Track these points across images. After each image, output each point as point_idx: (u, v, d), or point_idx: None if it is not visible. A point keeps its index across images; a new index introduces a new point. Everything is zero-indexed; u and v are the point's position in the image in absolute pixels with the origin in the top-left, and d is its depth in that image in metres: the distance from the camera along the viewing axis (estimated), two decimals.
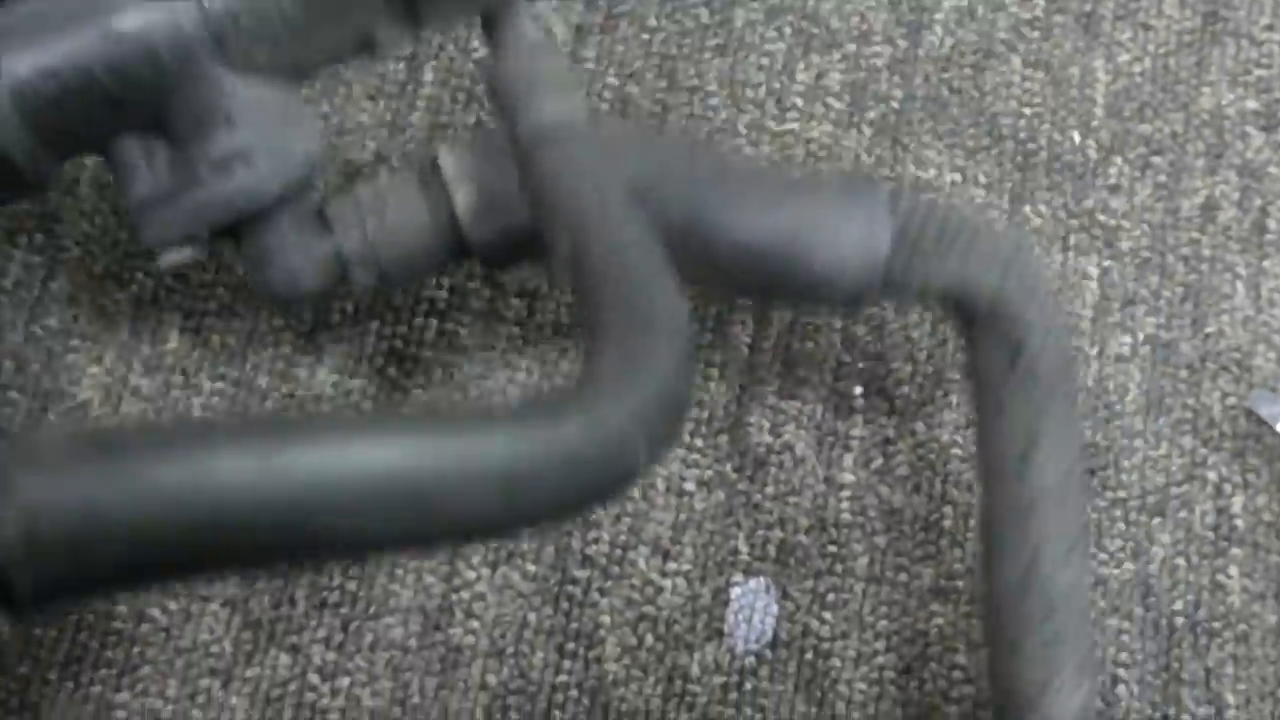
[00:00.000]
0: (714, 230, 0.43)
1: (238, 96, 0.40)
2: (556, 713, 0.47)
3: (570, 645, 0.48)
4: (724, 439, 0.51)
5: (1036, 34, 0.57)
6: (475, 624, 0.47)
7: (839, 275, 0.43)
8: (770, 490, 0.50)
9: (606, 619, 0.48)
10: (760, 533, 0.50)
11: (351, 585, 0.48)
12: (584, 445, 0.29)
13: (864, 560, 0.49)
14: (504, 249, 0.44)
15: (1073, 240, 0.54)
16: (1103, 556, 0.50)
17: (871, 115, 0.55)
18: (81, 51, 0.39)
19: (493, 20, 0.43)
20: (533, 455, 0.28)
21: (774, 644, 0.48)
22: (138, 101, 0.40)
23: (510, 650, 0.47)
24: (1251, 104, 0.57)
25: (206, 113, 0.40)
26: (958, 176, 0.55)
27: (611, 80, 0.55)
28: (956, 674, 0.48)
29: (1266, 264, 0.54)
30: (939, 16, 0.57)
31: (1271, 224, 0.55)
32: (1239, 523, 0.50)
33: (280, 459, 0.26)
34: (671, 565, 0.49)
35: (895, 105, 0.55)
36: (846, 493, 0.50)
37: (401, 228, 0.43)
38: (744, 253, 0.43)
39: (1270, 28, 0.58)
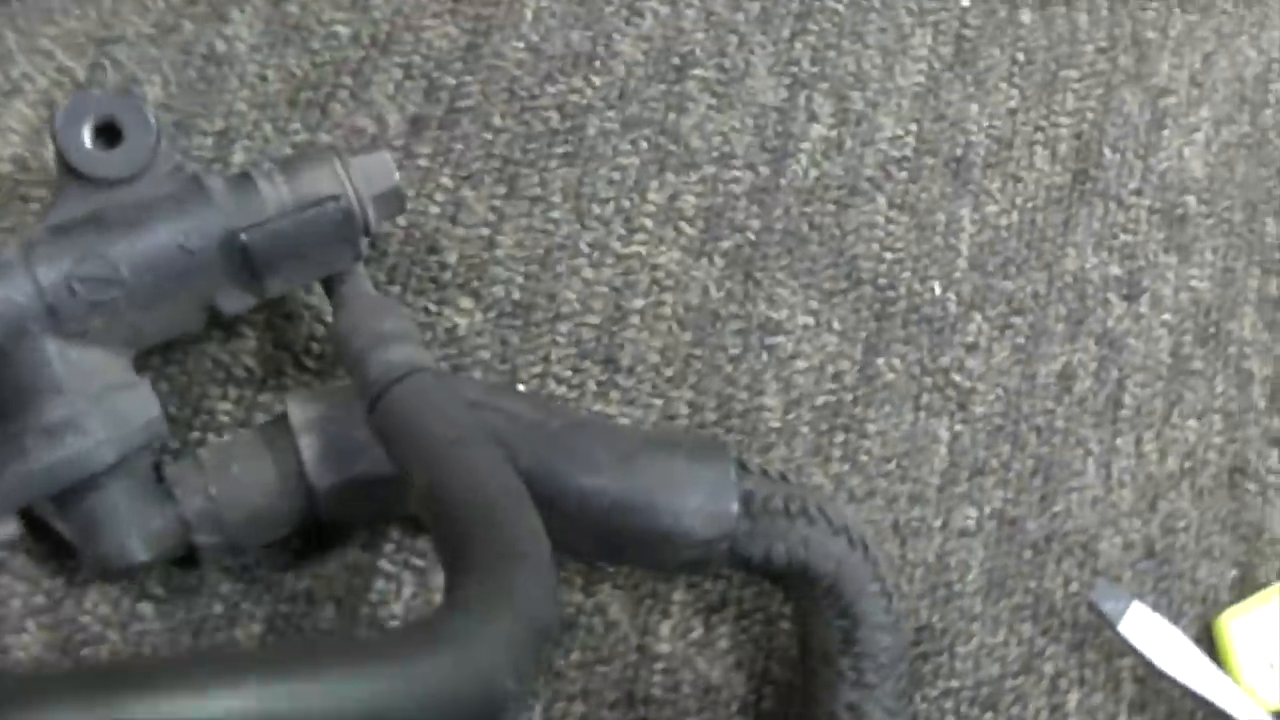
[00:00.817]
0: (562, 482, 0.40)
1: (69, 364, 0.38)
2: None
3: None
4: None
5: (904, 174, 0.54)
6: None
7: (684, 537, 0.41)
8: (576, 657, 0.45)
9: None
10: (560, 705, 0.45)
11: None
12: (451, 679, 0.28)
13: None
14: (352, 500, 0.41)
15: (925, 400, 0.51)
16: None
17: (725, 245, 0.51)
18: None
19: (334, 281, 0.42)
20: (398, 692, 0.27)
21: None
22: None
23: None
24: (1115, 270, 0.54)
25: (35, 382, 0.38)
26: (810, 320, 0.51)
27: (446, 181, 0.50)
28: None
29: (1119, 442, 0.52)
30: (805, 145, 0.53)
31: (1127, 399, 0.53)
32: None
33: (112, 713, 0.23)
34: None
35: (751, 236, 0.52)
36: (660, 664, 0.46)
37: (247, 485, 0.40)
38: (591, 507, 0.40)
39: (1138, 192, 0.56)
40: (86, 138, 0.40)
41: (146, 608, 0.43)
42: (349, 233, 0.42)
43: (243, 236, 0.40)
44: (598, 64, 0.53)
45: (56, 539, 0.41)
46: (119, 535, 0.39)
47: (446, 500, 0.35)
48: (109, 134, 0.40)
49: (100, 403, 0.38)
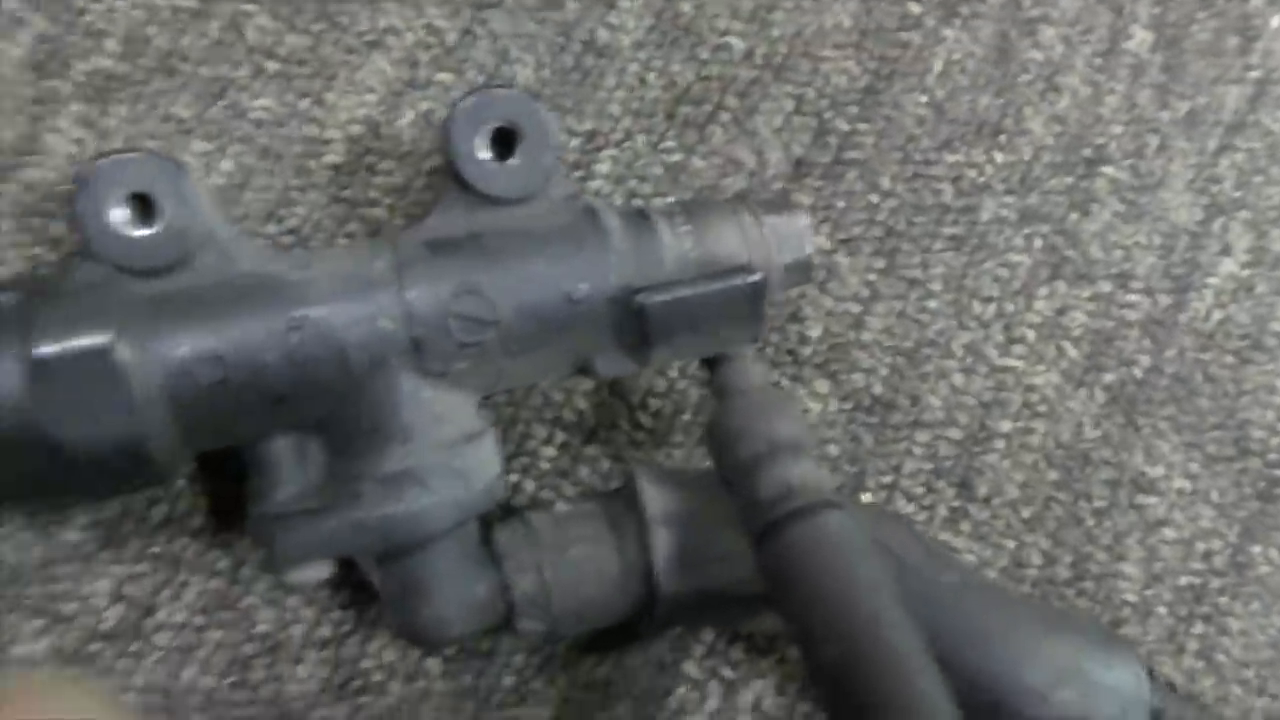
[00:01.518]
0: (946, 653, 0.33)
1: (421, 406, 0.33)
2: None
3: None
4: None
5: None
6: None
7: None
8: None
9: None
10: None
11: None
12: None
13: None
14: (694, 610, 0.36)
15: None
16: None
17: (1109, 378, 0.45)
18: (254, 338, 0.32)
19: (720, 361, 0.36)
20: None
21: None
22: (307, 401, 0.32)
23: None
24: None
25: (383, 422, 0.33)
26: (1188, 485, 0.44)
27: (821, 241, 0.44)
28: None
29: None
30: (1212, 281, 0.47)
31: None
32: None
33: None
34: None
35: (1138, 374, 0.45)
36: None
37: (585, 573, 0.35)
38: (975, 689, 0.34)
39: None
40: (482, 146, 0.34)
41: (434, 665, 0.38)
42: (755, 310, 0.36)
43: (641, 299, 0.34)
44: (1003, 139, 0.46)
45: (351, 569, 0.36)
46: (438, 604, 0.34)
47: (861, 698, 0.30)
48: (504, 142, 0.35)
49: (447, 457, 0.33)
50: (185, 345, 0.31)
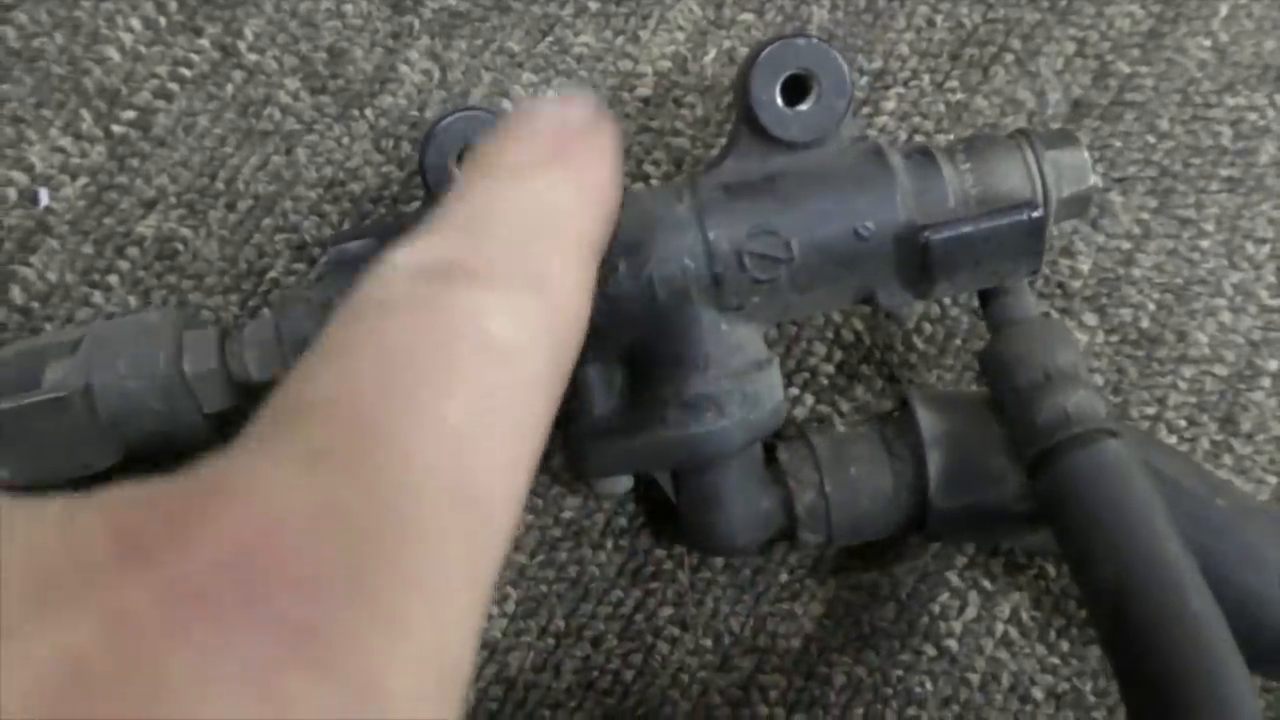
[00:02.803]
0: (1223, 578, 0.35)
1: (718, 337, 0.36)
2: None
3: None
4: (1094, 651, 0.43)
5: None
6: None
7: None
8: None
9: None
10: None
11: None
12: None
13: None
14: (964, 525, 0.39)
15: None
16: None
17: None
18: None
19: (995, 294, 0.38)
20: None
21: None
22: (617, 332, 0.36)
23: None
24: None
25: (685, 352, 0.36)
26: None
27: (1096, 180, 0.45)
28: None
29: None
30: None
31: None
32: None
33: None
34: None
35: None
36: None
37: (862, 490, 0.38)
38: (1251, 615, 0.36)
39: None
40: (779, 93, 0.36)
41: (718, 559, 0.42)
42: (1035, 245, 0.37)
43: (927, 235, 0.36)
44: None
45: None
46: (729, 516, 0.37)
47: (1139, 621, 0.32)
48: (797, 89, 0.37)
49: (740, 383, 0.36)
50: None
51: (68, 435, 0.36)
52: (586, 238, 0.26)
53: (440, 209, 0.25)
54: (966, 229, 0.36)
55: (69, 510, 0.19)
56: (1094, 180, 0.39)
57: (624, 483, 0.40)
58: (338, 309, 0.23)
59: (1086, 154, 0.39)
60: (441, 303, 0.23)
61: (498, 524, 0.21)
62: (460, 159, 0.36)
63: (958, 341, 0.44)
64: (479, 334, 0.23)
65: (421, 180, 0.36)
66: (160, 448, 0.36)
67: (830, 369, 0.44)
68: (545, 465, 0.42)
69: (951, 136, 0.45)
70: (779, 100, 0.36)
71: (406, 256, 0.24)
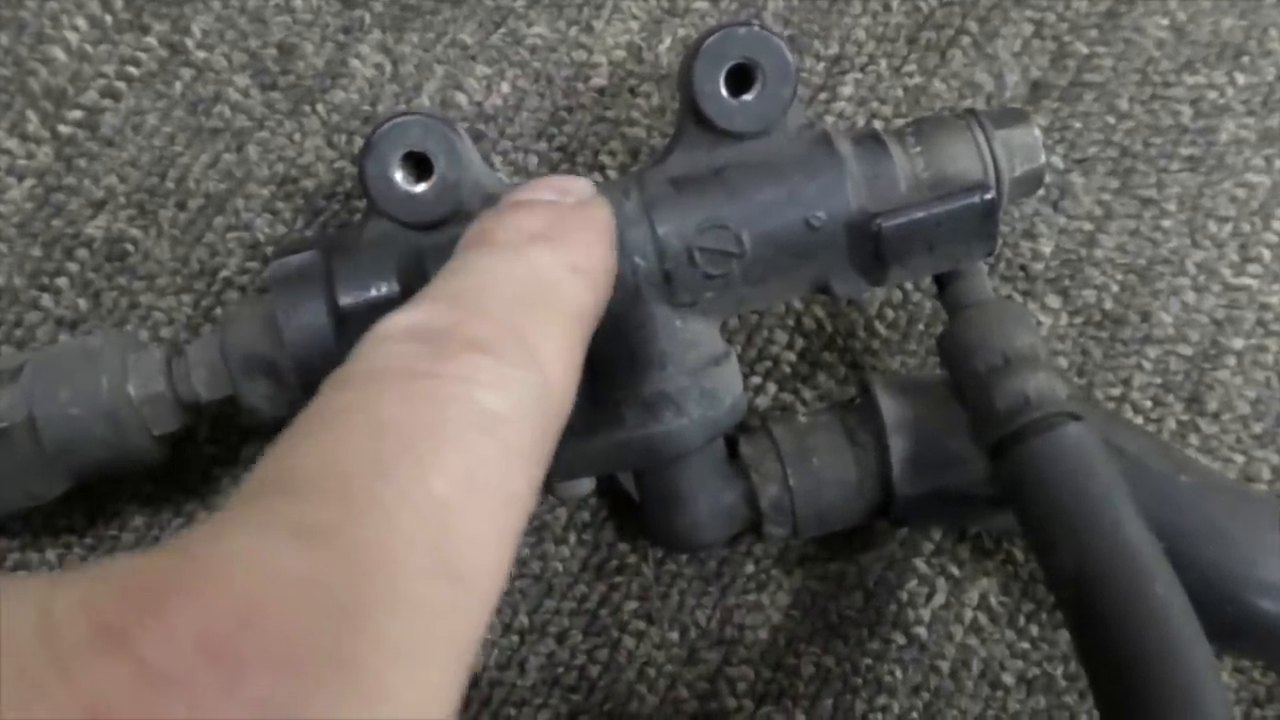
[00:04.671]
0: (1187, 555, 0.35)
1: (672, 335, 0.35)
2: None
3: None
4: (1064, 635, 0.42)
5: None
6: None
7: None
8: None
9: None
10: None
11: None
12: None
13: None
14: (928, 510, 0.38)
15: None
16: None
17: None
18: None
19: (950, 277, 0.38)
20: None
21: None
22: None
23: None
24: None
25: (640, 351, 0.35)
26: None
27: (1056, 161, 0.45)
28: None
29: None
30: None
31: None
32: None
33: None
34: None
35: None
36: None
37: (825, 481, 0.38)
38: (1217, 592, 0.36)
39: None
40: (723, 83, 0.36)
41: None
42: (989, 227, 0.36)
43: (879, 223, 0.35)
44: (1245, 61, 0.46)
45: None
46: (692, 514, 0.37)
47: (1101, 607, 0.32)
48: (741, 79, 0.36)
49: (697, 379, 0.36)
50: None
51: (13, 468, 0.35)
52: (580, 313, 0.27)
53: (435, 280, 0.26)
54: (919, 214, 0.35)
55: (49, 593, 0.19)
56: (1045, 158, 0.38)
57: (586, 485, 0.39)
58: (328, 377, 0.23)
59: (1037, 131, 0.38)
60: (434, 372, 0.23)
61: (481, 595, 0.21)
62: (401, 164, 0.35)
63: (920, 327, 0.44)
64: (470, 404, 0.23)
65: (364, 191, 0.35)
66: (111, 473, 0.36)
67: (792, 357, 0.43)
68: None
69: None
70: (723, 91, 0.36)
71: (400, 325, 0.24)
